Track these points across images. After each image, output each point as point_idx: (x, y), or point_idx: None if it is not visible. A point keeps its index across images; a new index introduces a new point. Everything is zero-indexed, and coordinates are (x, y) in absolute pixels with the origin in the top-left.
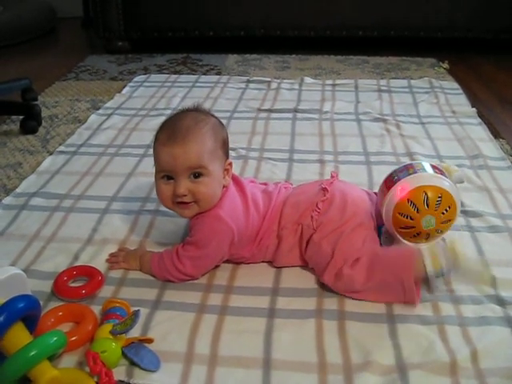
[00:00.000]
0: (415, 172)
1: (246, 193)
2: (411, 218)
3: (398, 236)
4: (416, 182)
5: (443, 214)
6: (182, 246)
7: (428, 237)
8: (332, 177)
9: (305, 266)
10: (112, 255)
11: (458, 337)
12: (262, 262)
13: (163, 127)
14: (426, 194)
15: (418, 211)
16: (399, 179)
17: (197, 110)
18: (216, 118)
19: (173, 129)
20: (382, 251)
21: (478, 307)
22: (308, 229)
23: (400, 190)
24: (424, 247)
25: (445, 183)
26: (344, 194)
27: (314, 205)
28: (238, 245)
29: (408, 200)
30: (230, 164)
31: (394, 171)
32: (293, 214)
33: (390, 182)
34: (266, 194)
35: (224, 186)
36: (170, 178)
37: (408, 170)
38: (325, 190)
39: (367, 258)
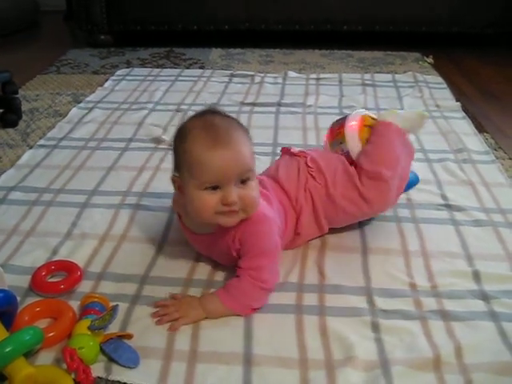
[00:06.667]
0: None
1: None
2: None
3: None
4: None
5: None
6: (250, 268)
7: None
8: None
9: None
10: (157, 314)
11: (442, 332)
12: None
13: (195, 133)
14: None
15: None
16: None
17: (217, 112)
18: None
19: (210, 131)
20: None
21: (461, 302)
22: (315, 188)
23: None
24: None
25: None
26: (313, 149)
27: (304, 166)
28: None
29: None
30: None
31: (333, 124)
32: (292, 185)
33: (337, 125)
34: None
35: None
36: (214, 187)
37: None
38: (300, 152)
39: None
